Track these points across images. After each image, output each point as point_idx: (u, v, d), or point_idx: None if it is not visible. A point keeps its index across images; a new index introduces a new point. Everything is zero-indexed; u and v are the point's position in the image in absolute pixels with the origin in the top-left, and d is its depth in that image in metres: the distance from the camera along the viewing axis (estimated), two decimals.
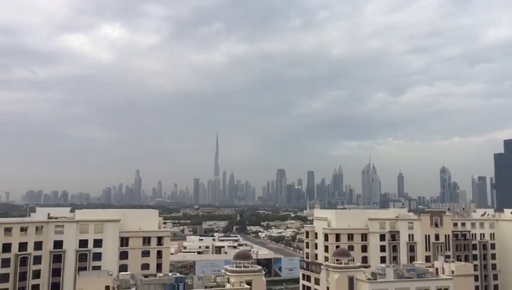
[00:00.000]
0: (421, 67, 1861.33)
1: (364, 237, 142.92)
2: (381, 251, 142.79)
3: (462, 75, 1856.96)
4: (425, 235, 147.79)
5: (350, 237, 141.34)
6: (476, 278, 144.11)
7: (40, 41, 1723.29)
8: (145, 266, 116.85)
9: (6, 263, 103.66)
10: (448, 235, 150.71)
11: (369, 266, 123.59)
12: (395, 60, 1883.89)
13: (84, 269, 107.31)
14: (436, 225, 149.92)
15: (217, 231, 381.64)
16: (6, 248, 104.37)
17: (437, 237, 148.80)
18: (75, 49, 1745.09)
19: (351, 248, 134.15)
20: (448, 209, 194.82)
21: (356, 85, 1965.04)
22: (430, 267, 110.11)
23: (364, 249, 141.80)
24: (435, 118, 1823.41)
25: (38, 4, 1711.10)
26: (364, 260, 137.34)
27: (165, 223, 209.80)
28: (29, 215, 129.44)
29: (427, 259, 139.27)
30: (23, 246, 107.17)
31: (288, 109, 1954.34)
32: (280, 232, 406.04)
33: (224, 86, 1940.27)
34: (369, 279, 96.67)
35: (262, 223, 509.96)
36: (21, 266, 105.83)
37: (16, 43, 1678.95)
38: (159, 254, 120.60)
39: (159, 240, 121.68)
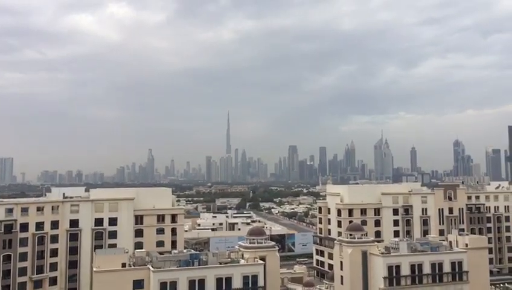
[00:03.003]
0: (433, 39, 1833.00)
1: (377, 211, 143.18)
2: (394, 225, 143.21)
3: (475, 46, 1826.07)
4: (439, 209, 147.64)
5: (363, 211, 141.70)
6: (490, 251, 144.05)
7: (47, 22, 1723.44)
8: (160, 243, 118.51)
9: (24, 242, 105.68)
10: (462, 209, 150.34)
11: (382, 241, 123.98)
12: (406, 32, 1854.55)
13: (101, 247, 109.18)
14: (450, 199, 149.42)
15: (230, 208, 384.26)
16: (24, 227, 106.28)
17: (451, 210, 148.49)
18: (82, 29, 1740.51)
19: (364, 222, 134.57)
20: (462, 182, 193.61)
21: (367, 59, 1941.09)
22: (443, 240, 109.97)
23: (377, 223, 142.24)
24: (448, 91, 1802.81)
25: None
26: (378, 234, 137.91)
27: (178, 201, 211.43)
28: (45, 195, 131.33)
29: (441, 233, 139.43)
30: (40, 225, 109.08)
31: (298, 85, 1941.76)
32: (293, 208, 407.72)
33: (234, 63, 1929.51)
34: (382, 253, 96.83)
35: (275, 200, 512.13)
36: (39, 245, 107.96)
37: (23, 24, 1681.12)
38: (174, 231, 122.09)
39: (173, 218, 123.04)
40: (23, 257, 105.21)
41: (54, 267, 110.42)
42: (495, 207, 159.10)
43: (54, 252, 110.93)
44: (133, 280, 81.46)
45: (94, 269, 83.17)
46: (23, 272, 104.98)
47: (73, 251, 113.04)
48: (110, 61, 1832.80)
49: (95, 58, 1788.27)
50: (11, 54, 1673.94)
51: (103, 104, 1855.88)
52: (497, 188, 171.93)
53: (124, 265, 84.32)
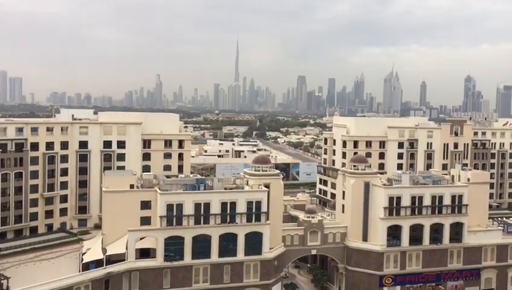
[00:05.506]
0: None
1: (382, 144, 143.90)
2: (398, 159, 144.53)
3: None
4: (444, 144, 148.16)
5: (368, 144, 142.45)
6: (492, 186, 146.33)
7: None
8: (167, 168, 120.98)
9: (35, 161, 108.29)
10: (467, 144, 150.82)
11: (385, 173, 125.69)
12: None
13: (109, 168, 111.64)
14: (456, 134, 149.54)
15: (236, 136, 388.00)
16: (34, 146, 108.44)
17: (456, 145, 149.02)
18: None
19: (368, 154, 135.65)
20: (470, 118, 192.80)
21: None
22: (446, 174, 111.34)
23: (381, 156, 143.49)
24: (464, 24, 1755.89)
25: None
26: (382, 166, 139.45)
27: (185, 127, 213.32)
28: (54, 116, 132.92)
29: (444, 167, 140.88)
30: (50, 145, 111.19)
31: (310, 12, 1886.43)
32: (299, 138, 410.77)
33: None
34: (384, 185, 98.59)
35: (281, 129, 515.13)
36: (49, 164, 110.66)
37: None
38: (180, 156, 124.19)
39: (180, 143, 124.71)
40: (34, 175, 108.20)
41: (64, 185, 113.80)
42: (501, 143, 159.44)
43: (64, 172, 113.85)
44: (141, 201, 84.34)
45: (103, 189, 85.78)
46: (34, 189, 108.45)
47: (83, 171, 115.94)
48: None
49: None
50: None
51: (111, 26, 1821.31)
52: (505, 124, 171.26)
53: (132, 186, 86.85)
